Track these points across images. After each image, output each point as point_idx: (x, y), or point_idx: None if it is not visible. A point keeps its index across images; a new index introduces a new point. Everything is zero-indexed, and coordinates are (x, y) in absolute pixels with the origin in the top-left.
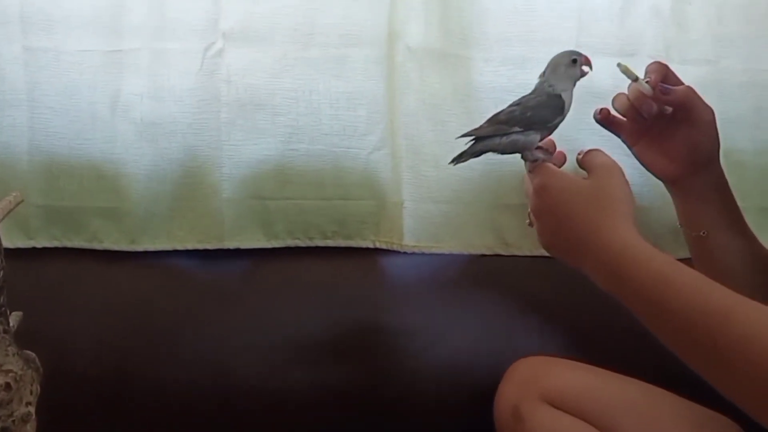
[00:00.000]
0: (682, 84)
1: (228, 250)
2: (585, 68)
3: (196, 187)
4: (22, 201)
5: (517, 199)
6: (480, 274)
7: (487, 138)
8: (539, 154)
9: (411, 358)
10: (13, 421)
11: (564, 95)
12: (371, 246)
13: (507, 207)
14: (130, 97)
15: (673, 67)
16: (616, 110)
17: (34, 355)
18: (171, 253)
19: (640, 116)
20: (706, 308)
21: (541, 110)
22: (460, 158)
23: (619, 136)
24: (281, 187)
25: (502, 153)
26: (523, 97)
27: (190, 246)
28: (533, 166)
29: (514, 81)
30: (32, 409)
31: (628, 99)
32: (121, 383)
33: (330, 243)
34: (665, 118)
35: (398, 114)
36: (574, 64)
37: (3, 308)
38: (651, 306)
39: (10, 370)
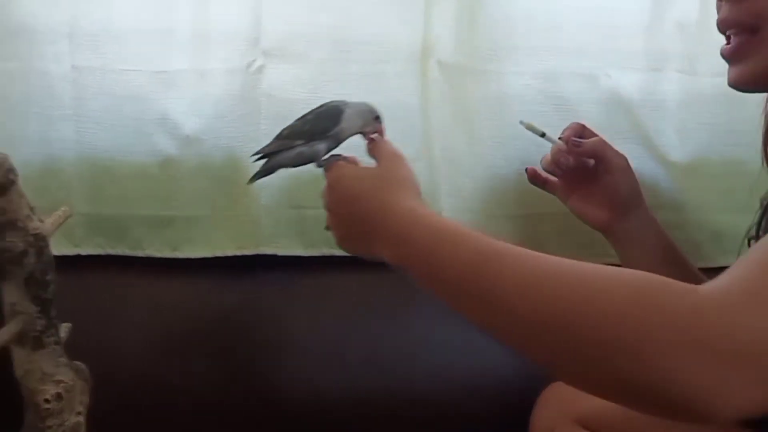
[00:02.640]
0: (597, 137)
1: (266, 260)
2: (374, 134)
3: (236, 196)
4: (71, 215)
5: (553, 208)
6: None
7: (275, 154)
8: (332, 159)
9: (445, 371)
10: (64, 430)
11: (347, 113)
12: None
13: (544, 216)
14: (176, 114)
15: (702, 81)
16: (543, 168)
17: (83, 365)
18: (211, 261)
19: (561, 170)
20: (477, 257)
21: (318, 121)
22: (254, 177)
23: (554, 194)
24: (317, 197)
25: (294, 166)
26: (310, 111)
27: (229, 252)
28: (328, 166)
29: (544, 93)
30: (82, 419)
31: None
32: (163, 393)
33: None
34: (589, 170)
35: (433, 127)
36: (375, 120)
37: (53, 320)
38: (431, 262)
39: (62, 381)
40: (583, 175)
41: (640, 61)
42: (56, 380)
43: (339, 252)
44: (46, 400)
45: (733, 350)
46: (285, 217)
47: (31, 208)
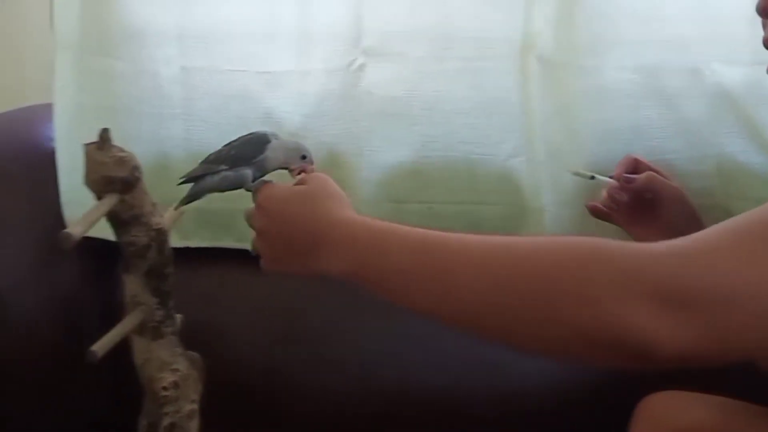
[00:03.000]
0: (652, 169)
1: None
2: (298, 171)
3: None
4: (183, 213)
5: None
6: None
7: (200, 178)
8: (261, 183)
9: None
10: (180, 417)
11: (272, 144)
12: None
13: None
14: (279, 112)
15: None
16: (602, 205)
17: (198, 355)
18: None
19: (619, 205)
20: (426, 244)
21: (243, 147)
22: (182, 202)
23: (619, 225)
24: (415, 191)
25: (221, 190)
26: (238, 138)
27: None
28: (257, 189)
29: (647, 88)
30: (196, 407)
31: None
32: (269, 382)
33: None
34: (647, 201)
35: (534, 122)
36: (302, 158)
37: (171, 311)
38: (382, 260)
39: (178, 369)
40: (642, 206)
41: (745, 54)
42: (173, 369)
43: None
44: (164, 388)
45: (684, 297)
46: (384, 212)
47: (154, 204)
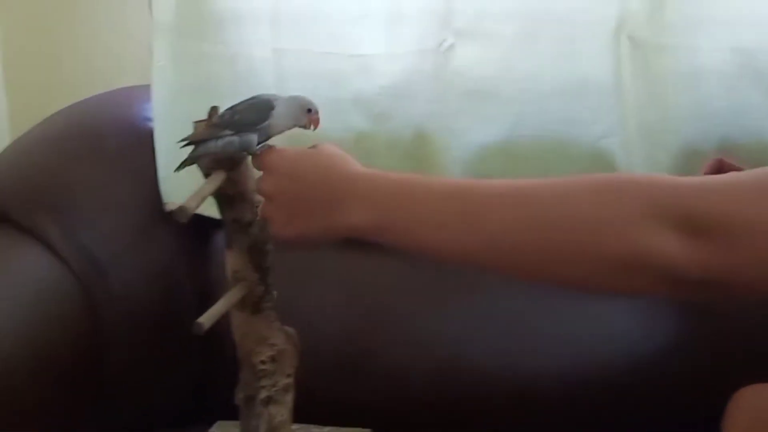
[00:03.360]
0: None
1: None
2: (311, 125)
3: (426, 170)
4: None
5: None
6: None
7: (204, 142)
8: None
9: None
10: (276, 390)
11: (277, 109)
12: None
13: None
14: (369, 94)
15: None
16: None
17: (293, 331)
18: None
19: None
20: (454, 187)
21: (247, 113)
22: (181, 165)
23: None
24: (505, 170)
25: (224, 156)
26: (241, 102)
27: None
28: (260, 155)
29: (744, 69)
30: (292, 381)
31: None
32: (359, 362)
33: None
34: None
35: (627, 103)
36: (307, 112)
37: (270, 287)
38: (408, 207)
39: (275, 344)
40: None
41: None
42: (270, 343)
43: None
44: (262, 362)
45: (710, 224)
46: None
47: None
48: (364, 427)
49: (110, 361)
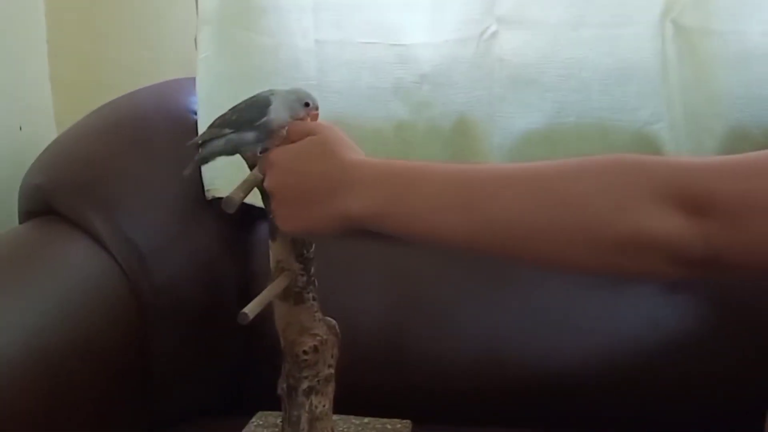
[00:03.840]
0: None
1: None
2: (308, 118)
3: (467, 158)
4: None
5: None
6: None
7: (208, 142)
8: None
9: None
10: (318, 381)
11: (274, 105)
12: None
13: None
14: (409, 83)
15: None
16: None
17: (334, 322)
18: None
19: None
20: (454, 173)
21: (245, 111)
22: (192, 167)
23: None
24: (548, 157)
25: (228, 154)
26: (242, 102)
27: None
28: (256, 158)
29: None
30: (333, 372)
31: None
32: (398, 353)
33: None
34: None
35: (673, 88)
36: (305, 105)
37: (313, 278)
38: (409, 193)
39: (317, 334)
40: None
41: None
42: (313, 334)
43: None
44: (305, 352)
45: (714, 203)
46: None
47: None
48: (403, 418)
49: (155, 351)
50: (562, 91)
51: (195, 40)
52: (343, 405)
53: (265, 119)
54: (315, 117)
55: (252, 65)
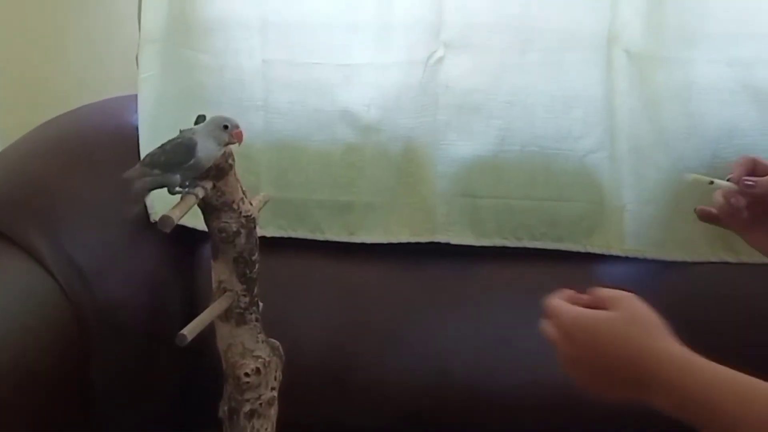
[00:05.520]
0: None
1: (439, 248)
2: (233, 140)
3: (413, 184)
4: (269, 200)
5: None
6: (707, 284)
7: (138, 179)
8: (193, 191)
9: None
10: (261, 404)
11: (200, 144)
12: (582, 250)
13: None
14: (356, 105)
15: None
16: (717, 210)
17: (278, 343)
18: (386, 247)
19: (735, 210)
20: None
21: (172, 154)
22: (129, 206)
23: (730, 230)
24: (492, 186)
25: (157, 188)
26: (168, 141)
27: (404, 239)
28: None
29: (739, 83)
30: (275, 394)
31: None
32: (344, 374)
33: (538, 244)
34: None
35: (618, 117)
36: (224, 129)
37: (256, 298)
38: (713, 416)
39: (260, 356)
40: (762, 210)
41: None
42: (255, 355)
43: (510, 243)
44: (246, 374)
45: None
46: (459, 206)
47: (244, 192)
48: None
49: (95, 373)
50: (507, 119)
51: (136, 58)
52: (288, 428)
53: (193, 161)
54: (239, 135)
55: (196, 85)
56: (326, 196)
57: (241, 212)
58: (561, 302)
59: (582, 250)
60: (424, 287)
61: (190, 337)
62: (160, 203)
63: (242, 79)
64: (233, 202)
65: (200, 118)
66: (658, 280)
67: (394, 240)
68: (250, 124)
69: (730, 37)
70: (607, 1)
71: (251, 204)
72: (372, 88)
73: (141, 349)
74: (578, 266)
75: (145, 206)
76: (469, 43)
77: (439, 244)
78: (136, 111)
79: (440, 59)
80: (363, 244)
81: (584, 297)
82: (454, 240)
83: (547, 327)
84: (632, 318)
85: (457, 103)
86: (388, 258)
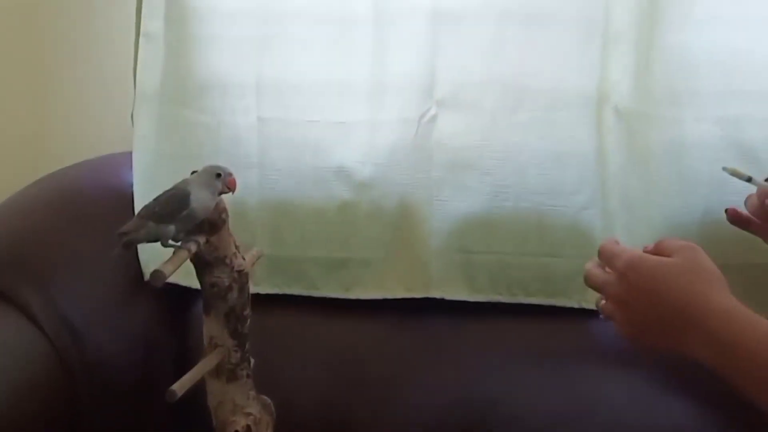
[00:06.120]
0: None
1: (434, 304)
2: (227, 189)
3: (407, 240)
4: (263, 256)
5: (739, 260)
6: None
7: (133, 231)
8: (186, 245)
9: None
10: None
11: (194, 195)
12: (575, 306)
13: (729, 267)
14: (351, 162)
15: None
16: (749, 212)
17: (269, 400)
18: (381, 303)
19: None
20: None
21: (166, 206)
22: (117, 253)
23: (758, 236)
24: (485, 242)
25: (150, 241)
26: (163, 193)
27: (399, 295)
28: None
29: (727, 140)
30: None
31: (758, 199)
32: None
33: (533, 300)
34: None
35: (609, 174)
36: (217, 177)
37: (247, 354)
38: (759, 373)
39: (251, 413)
40: None
41: None
42: (246, 412)
43: (505, 298)
44: None
45: None
46: (453, 262)
47: (237, 247)
48: None
49: (84, 428)
50: (499, 176)
51: (131, 116)
52: None
53: (187, 211)
54: (232, 183)
55: (192, 143)
56: (322, 253)
57: (233, 267)
58: (619, 245)
59: (576, 305)
60: (419, 343)
61: (179, 394)
62: (154, 261)
63: (237, 136)
64: (226, 257)
65: (194, 174)
66: None
67: (389, 296)
68: (245, 181)
69: (718, 94)
70: (597, 60)
71: (244, 259)
72: (366, 145)
73: (131, 406)
74: (573, 322)
75: (139, 264)
76: (461, 102)
77: (433, 299)
78: (131, 168)
79: (433, 117)
80: (358, 301)
81: (648, 246)
82: (449, 296)
83: (595, 271)
84: (692, 267)
85: (450, 160)
86: (382, 314)
